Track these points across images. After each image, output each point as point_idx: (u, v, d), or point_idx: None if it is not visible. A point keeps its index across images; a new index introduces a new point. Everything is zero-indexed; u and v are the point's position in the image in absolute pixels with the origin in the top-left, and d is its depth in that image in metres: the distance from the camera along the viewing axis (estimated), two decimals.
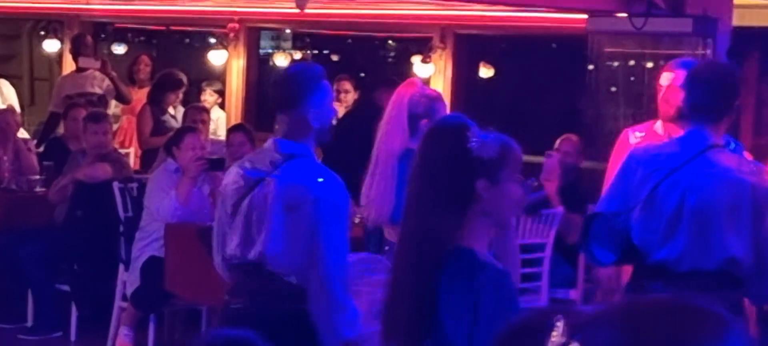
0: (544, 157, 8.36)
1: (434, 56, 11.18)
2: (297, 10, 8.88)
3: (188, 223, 7.84)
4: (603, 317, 1.46)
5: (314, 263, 4.76)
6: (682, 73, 6.09)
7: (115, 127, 10.67)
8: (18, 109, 10.91)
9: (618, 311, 1.48)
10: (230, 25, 12.32)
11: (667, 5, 8.88)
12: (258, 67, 12.73)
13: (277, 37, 14.83)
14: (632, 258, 5.08)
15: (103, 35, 13.94)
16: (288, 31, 14.38)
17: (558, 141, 8.96)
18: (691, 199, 4.89)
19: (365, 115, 9.76)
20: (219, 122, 12.02)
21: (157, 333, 8.21)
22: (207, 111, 10.77)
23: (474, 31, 11.34)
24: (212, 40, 13.88)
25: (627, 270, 5.48)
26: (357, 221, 7.15)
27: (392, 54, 16.31)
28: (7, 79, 12.14)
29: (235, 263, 4.95)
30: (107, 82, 11.45)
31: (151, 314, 8.18)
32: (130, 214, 8.50)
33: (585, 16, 9.38)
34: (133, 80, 12.08)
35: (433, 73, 11.07)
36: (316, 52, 15.77)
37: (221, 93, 12.42)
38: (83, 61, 11.56)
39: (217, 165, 7.90)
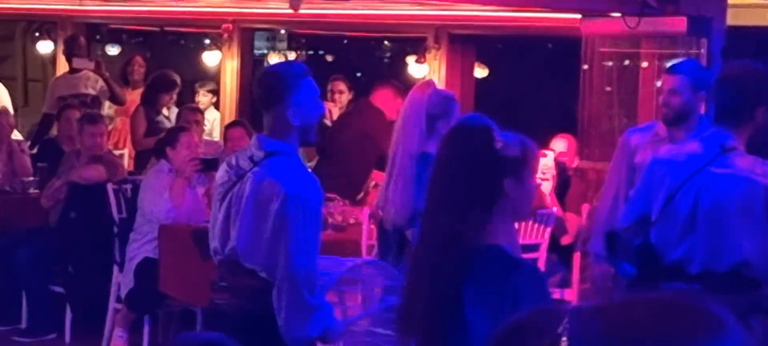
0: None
1: (429, 56, 11.17)
2: (291, 11, 8.87)
3: (182, 224, 7.84)
4: (597, 311, 1.45)
5: (280, 260, 4.76)
6: (680, 78, 6.09)
7: (109, 128, 10.65)
8: (11, 110, 10.88)
9: (613, 306, 1.47)
10: (224, 25, 12.30)
11: (661, 5, 8.88)
12: (252, 67, 12.70)
13: (273, 37, 14.82)
14: (652, 266, 5.07)
15: (97, 36, 13.90)
16: (283, 31, 14.37)
17: (553, 141, 8.96)
18: (705, 200, 4.90)
19: (360, 115, 9.77)
20: (214, 123, 12.01)
21: (152, 335, 8.20)
22: (201, 112, 10.74)
23: (468, 32, 11.32)
24: (206, 41, 13.86)
25: None
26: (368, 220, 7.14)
27: (387, 54, 16.32)
28: (1, 81, 12.12)
29: (218, 258, 4.99)
30: (101, 83, 11.41)
31: (145, 315, 8.17)
32: (124, 215, 8.49)
33: (579, 16, 9.38)
34: (126, 81, 12.04)
35: (427, 73, 11.06)
36: (311, 52, 15.77)
37: (215, 93, 12.40)
38: (77, 62, 11.52)
39: (211, 165, 7.89)
